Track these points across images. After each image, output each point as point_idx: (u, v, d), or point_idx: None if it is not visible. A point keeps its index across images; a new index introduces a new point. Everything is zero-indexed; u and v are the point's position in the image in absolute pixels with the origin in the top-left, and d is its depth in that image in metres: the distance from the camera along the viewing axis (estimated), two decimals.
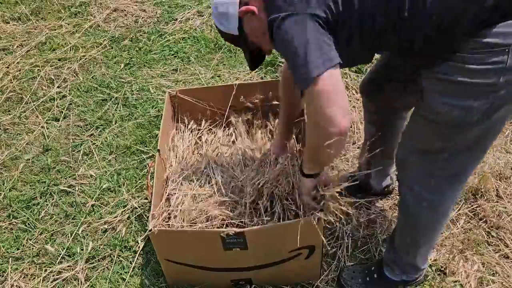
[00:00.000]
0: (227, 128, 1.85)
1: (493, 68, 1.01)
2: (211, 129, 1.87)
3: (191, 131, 1.85)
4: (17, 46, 2.80)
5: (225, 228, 1.39)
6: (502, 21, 0.98)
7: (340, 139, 1.06)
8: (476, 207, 1.80)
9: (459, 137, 1.14)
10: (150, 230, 1.34)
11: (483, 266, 1.62)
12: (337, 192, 1.33)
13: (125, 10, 3.03)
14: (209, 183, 1.54)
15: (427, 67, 1.11)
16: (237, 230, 1.34)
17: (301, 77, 1.05)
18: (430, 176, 1.25)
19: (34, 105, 2.42)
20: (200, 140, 1.81)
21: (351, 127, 1.35)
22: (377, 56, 1.45)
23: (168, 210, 1.49)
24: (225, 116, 1.83)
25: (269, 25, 1.09)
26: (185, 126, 1.86)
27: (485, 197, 1.82)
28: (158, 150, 1.61)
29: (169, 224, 1.42)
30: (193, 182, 1.57)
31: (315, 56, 1.02)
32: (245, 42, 1.25)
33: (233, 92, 1.78)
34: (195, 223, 1.44)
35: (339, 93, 1.05)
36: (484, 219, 1.76)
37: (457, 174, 1.24)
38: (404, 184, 1.34)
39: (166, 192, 1.56)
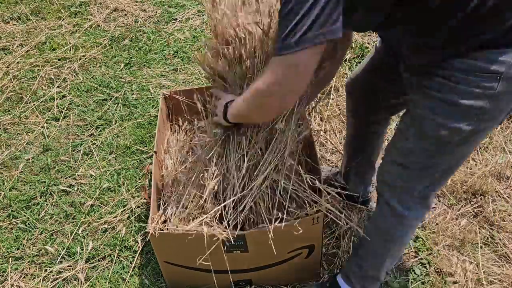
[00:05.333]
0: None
1: (483, 92, 1.01)
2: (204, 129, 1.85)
3: (185, 132, 1.84)
4: (17, 46, 2.80)
5: (224, 230, 1.39)
6: (502, 47, 0.98)
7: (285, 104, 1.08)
8: (476, 207, 1.80)
9: (441, 155, 1.15)
10: (150, 234, 1.35)
11: (482, 266, 1.62)
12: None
13: (125, 10, 3.03)
14: (204, 184, 1.53)
15: (423, 74, 1.10)
16: (238, 233, 1.34)
17: (285, 43, 0.94)
18: (408, 192, 1.25)
19: (34, 105, 2.42)
20: (194, 139, 1.80)
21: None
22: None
23: (166, 213, 1.49)
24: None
25: None
26: (179, 127, 1.86)
27: (485, 197, 1.82)
28: (155, 152, 1.61)
29: (168, 227, 1.42)
30: (190, 183, 1.56)
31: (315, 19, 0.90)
32: None
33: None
34: (194, 225, 1.43)
35: (307, 75, 1.00)
36: (483, 219, 1.76)
37: (434, 189, 1.26)
38: (382, 196, 1.33)
39: (164, 195, 1.56)
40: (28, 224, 1.89)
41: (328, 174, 1.85)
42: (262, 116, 1.18)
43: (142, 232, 1.81)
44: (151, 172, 1.57)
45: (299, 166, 1.58)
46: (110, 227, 1.85)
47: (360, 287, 1.47)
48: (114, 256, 1.76)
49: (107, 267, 1.73)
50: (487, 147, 2.02)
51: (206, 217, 1.44)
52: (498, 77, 0.99)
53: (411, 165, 1.21)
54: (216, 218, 1.44)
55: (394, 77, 1.27)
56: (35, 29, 2.93)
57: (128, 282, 1.68)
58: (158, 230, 1.37)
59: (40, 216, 1.92)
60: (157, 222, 1.43)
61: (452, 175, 1.27)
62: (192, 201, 1.51)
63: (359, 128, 1.61)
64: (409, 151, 1.19)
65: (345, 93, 1.61)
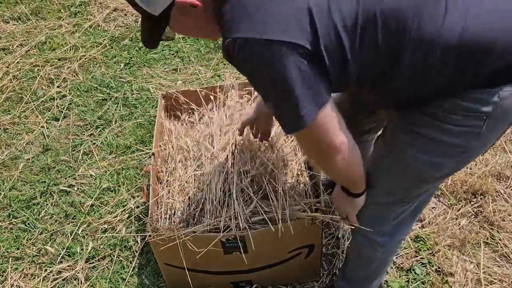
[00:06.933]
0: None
1: (468, 131, 0.96)
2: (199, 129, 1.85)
3: (185, 132, 1.84)
4: (17, 46, 2.80)
5: (224, 231, 1.38)
6: (488, 86, 0.91)
7: (343, 155, 1.00)
8: (476, 207, 1.80)
9: (419, 189, 1.12)
10: (150, 236, 1.34)
11: (483, 266, 1.62)
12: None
13: (125, 10, 3.03)
14: (203, 184, 1.53)
15: (405, 110, 1.04)
16: (237, 234, 1.33)
17: (290, 125, 0.95)
18: (384, 222, 1.23)
19: (34, 104, 2.42)
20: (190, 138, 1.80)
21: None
22: None
23: (166, 215, 1.48)
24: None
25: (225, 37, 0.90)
26: (175, 127, 1.86)
27: (485, 197, 1.82)
28: (153, 154, 1.61)
29: (167, 230, 1.41)
30: (189, 184, 1.56)
31: (304, 96, 0.89)
32: (157, 27, 0.99)
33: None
34: (193, 225, 1.43)
35: (332, 127, 0.96)
36: (483, 219, 1.76)
37: (412, 215, 1.23)
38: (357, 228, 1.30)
39: (163, 196, 1.55)
40: (28, 224, 1.89)
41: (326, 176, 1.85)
42: (353, 170, 1.07)
43: (142, 232, 1.81)
44: (150, 173, 1.56)
45: (299, 167, 1.59)
46: (110, 227, 1.85)
47: None
48: (114, 256, 1.76)
49: (107, 267, 1.73)
50: None
51: (206, 218, 1.44)
52: (485, 117, 0.94)
53: (386, 200, 1.17)
54: (216, 219, 1.44)
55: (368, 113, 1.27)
56: (35, 29, 2.93)
57: (128, 282, 1.68)
58: (157, 233, 1.36)
59: (40, 216, 1.92)
60: (156, 224, 1.43)
61: (430, 198, 1.23)
62: (191, 203, 1.51)
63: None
64: (385, 187, 1.16)
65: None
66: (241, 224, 1.37)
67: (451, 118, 0.96)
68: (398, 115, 1.06)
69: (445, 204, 1.82)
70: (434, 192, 1.21)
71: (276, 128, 1.61)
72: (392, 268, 1.64)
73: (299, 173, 1.56)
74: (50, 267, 1.74)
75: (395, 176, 1.11)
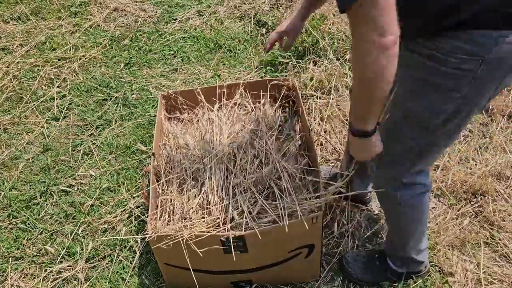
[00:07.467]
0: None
1: (464, 74, 1.00)
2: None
3: (184, 132, 1.84)
4: (17, 46, 2.80)
5: (224, 231, 1.38)
6: (487, 27, 0.95)
7: (379, 56, 0.90)
8: (476, 207, 1.80)
9: (426, 137, 1.16)
10: (150, 237, 1.34)
11: (483, 266, 1.62)
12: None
13: (125, 10, 3.03)
14: (203, 184, 1.53)
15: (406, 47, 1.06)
16: (237, 233, 1.33)
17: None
18: (399, 175, 1.27)
19: (34, 104, 2.42)
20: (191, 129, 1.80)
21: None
22: None
23: (166, 215, 1.48)
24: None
25: None
26: (175, 127, 1.86)
27: (485, 197, 1.82)
28: (153, 154, 1.61)
29: (167, 229, 1.41)
30: (189, 183, 1.56)
31: None
32: None
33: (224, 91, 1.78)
34: (193, 225, 1.43)
35: (387, 14, 0.87)
36: (483, 219, 1.76)
37: (423, 169, 1.28)
38: (377, 184, 1.36)
39: (162, 196, 1.55)
40: (28, 224, 1.89)
41: (327, 174, 1.85)
42: (381, 79, 0.96)
43: (142, 232, 1.81)
44: (150, 173, 1.56)
45: (299, 165, 1.59)
46: (110, 227, 1.85)
47: (407, 269, 1.54)
48: (114, 256, 1.76)
49: (107, 267, 1.73)
50: (487, 147, 2.02)
51: (206, 219, 1.44)
52: (481, 60, 0.97)
53: (400, 148, 1.21)
54: (216, 219, 1.44)
55: None
56: (35, 29, 2.93)
57: (128, 282, 1.68)
58: (157, 233, 1.36)
59: (40, 216, 1.91)
60: (156, 224, 1.43)
61: (438, 154, 1.26)
62: (191, 203, 1.51)
63: None
64: (395, 133, 1.20)
65: (348, 94, 1.60)
66: (243, 224, 1.37)
67: (449, 61, 0.99)
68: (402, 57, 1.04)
69: (445, 204, 1.82)
70: (446, 146, 1.23)
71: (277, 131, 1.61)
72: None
73: (301, 175, 1.56)
74: (50, 267, 1.74)
75: (402, 123, 1.15)
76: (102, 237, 1.81)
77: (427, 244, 1.53)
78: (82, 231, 1.84)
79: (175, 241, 1.35)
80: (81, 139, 2.23)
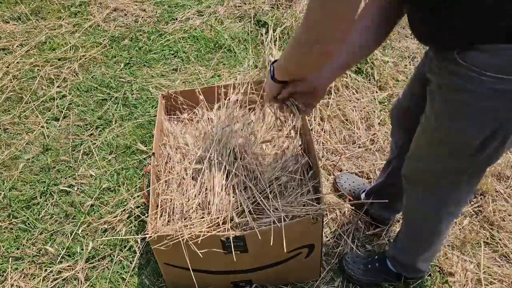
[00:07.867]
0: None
1: (497, 95, 0.92)
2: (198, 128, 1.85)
3: (184, 133, 1.84)
4: (17, 46, 2.80)
5: (224, 231, 1.38)
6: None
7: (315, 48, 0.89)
8: (476, 207, 1.80)
9: (457, 163, 1.09)
10: (150, 237, 1.34)
11: (483, 266, 1.62)
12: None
13: (125, 10, 3.03)
14: (203, 184, 1.53)
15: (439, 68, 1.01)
16: (237, 233, 1.33)
17: None
18: (431, 197, 1.24)
19: (34, 104, 2.42)
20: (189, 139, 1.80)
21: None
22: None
23: (166, 215, 1.48)
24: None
25: None
26: (175, 127, 1.86)
27: (485, 197, 1.82)
28: (153, 154, 1.61)
29: (167, 229, 1.41)
30: (189, 183, 1.56)
31: None
32: None
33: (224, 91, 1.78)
34: (193, 225, 1.43)
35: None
36: (483, 219, 1.76)
37: (460, 200, 1.23)
38: (407, 196, 1.33)
39: (162, 196, 1.55)
40: (28, 224, 1.89)
41: (355, 188, 1.83)
42: (331, 25, 0.88)
43: (142, 232, 1.81)
44: (150, 173, 1.56)
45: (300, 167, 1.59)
46: (110, 227, 1.85)
47: (406, 274, 1.52)
48: (114, 256, 1.76)
49: (107, 267, 1.73)
50: None
51: (206, 219, 1.44)
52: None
53: (432, 170, 1.16)
54: (216, 219, 1.44)
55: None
56: (35, 29, 2.93)
57: (128, 282, 1.68)
58: (157, 233, 1.36)
59: (40, 216, 1.92)
60: (156, 224, 1.43)
61: (473, 187, 1.19)
62: (191, 203, 1.51)
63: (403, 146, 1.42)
64: (427, 156, 1.16)
65: (390, 120, 1.51)
66: (243, 224, 1.37)
67: (482, 81, 0.91)
68: (434, 81, 1.03)
69: None
70: (476, 180, 1.15)
71: (277, 130, 1.61)
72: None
73: (301, 176, 1.56)
74: (50, 267, 1.74)
75: (434, 145, 1.11)
76: (102, 237, 1.81)
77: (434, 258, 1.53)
78: (82, 231, 1.84)
79: (175, 241, 1.35)
80: (81, 139, 2.23)
